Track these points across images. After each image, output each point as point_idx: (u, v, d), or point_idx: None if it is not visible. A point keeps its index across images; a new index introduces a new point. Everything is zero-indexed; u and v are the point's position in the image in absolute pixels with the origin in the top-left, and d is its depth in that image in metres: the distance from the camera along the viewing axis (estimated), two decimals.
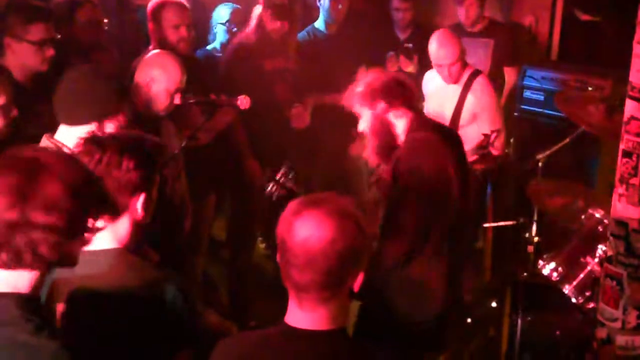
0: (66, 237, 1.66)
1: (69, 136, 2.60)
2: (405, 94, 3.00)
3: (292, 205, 1.76)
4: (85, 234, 1.73)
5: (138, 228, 2.13)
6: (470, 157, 3.85)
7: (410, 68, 4.98)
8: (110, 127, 2.62)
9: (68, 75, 2.73)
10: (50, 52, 3.19)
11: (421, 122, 3.04)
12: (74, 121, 2.62)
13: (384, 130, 2.98)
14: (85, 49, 3.83)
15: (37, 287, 1.70)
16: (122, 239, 2.10)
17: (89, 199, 1.71)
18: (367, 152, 3.08)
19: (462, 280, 3.29)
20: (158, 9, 3.84)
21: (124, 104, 2.69)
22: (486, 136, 3.77)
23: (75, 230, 1.69)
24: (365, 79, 3.02)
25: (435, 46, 4.17)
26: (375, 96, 2.95)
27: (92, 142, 2.09)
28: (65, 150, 2.55)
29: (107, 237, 2.07)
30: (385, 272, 2.88)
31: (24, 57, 3.18)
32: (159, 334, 2.03)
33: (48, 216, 1.62)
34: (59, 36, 3.26)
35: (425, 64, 4.78)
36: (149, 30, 3.89)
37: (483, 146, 3.76)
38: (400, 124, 2.99)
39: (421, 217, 2.85)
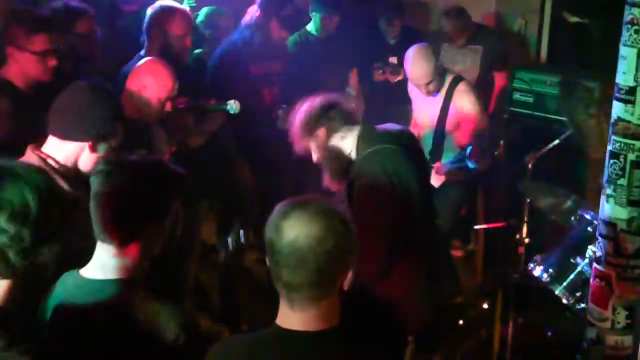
0: (35, 246, 1.62)
1: (57, 149, 2.56)
2: (342, 112, 2.91)
3: (278, 207, 1.77)
4: (56, 247, 1.67)
5: (147, 258, 2.06)
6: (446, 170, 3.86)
7: (399, 78, 5.02)
8: (102, 147, 2.60)
9: (71, 88, 2.67)
10: (52, 62, 3.16)
11: (371, 136, 2.90)
12: (67, 136, 2.55)
13: (333, 156, 2.88)
14: (77, 58, 3.81)
15: (6, 299, 1.65)
16: (128, 269, 2.02)
17: (58, 210, 1.66)
18: (326, 181, 2.96)
19: (445, 281, 3.28)
20: (165, 17, 3.79)
21: (119, 126, 2.64)
22: (462, 148, 3.78)
23: (43, 241, 1.64)
24: (297, 110, 2.92)
25: (409, 66, 4.16)
26: (310, 126, 2.87)
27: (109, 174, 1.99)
28: (51, 162, 2.53)
29: (113, 265, 2.00)
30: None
31: (26, 66, 3.16)
32: None
33: (14, 223, 1.58)
34: (61, 47, 3.24)
35: None
36: (148, 35, 3.85)
37: (460, 160, 3.78)
38: (347, 144, 2.88)
39: (386, 241, 2.76)
